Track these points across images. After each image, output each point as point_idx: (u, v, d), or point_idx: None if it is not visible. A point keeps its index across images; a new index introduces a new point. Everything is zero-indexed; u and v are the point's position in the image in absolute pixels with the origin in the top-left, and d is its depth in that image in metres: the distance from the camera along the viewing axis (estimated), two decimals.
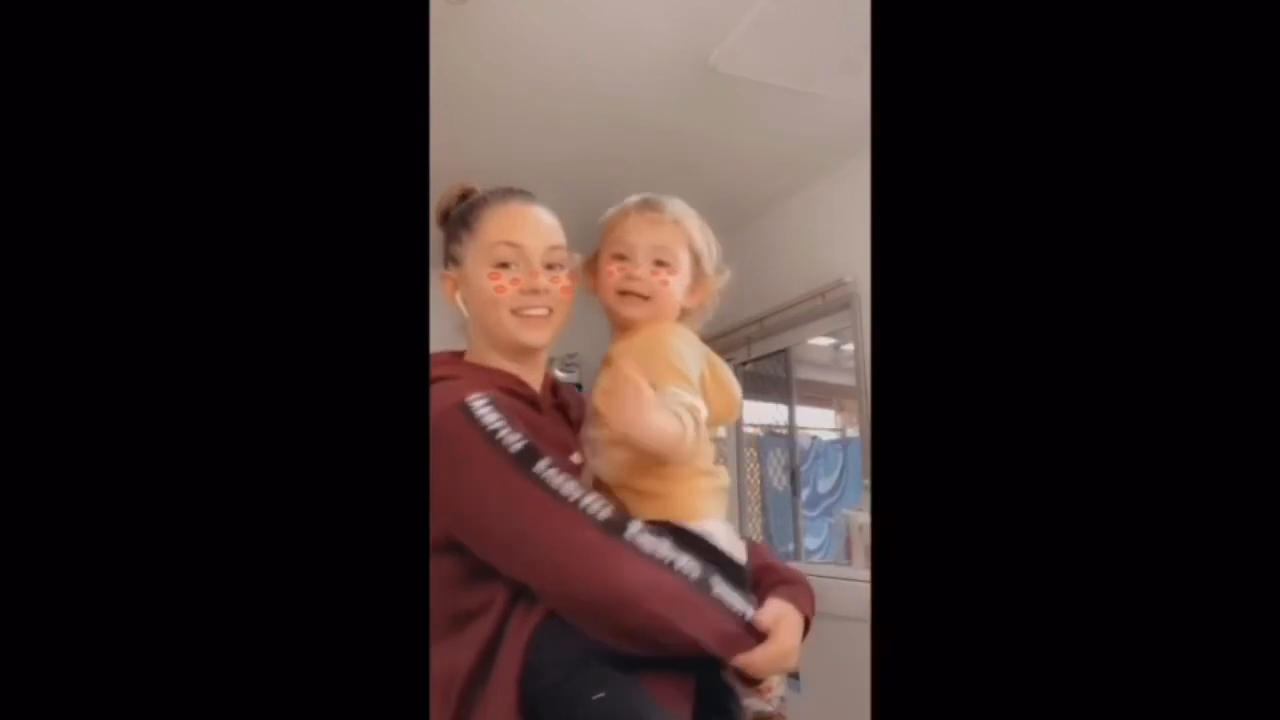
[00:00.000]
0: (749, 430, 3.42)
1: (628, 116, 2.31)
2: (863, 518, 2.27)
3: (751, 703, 0.79)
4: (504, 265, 0.85)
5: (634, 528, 0.69)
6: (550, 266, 0.88)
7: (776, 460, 3.36)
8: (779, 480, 3.34)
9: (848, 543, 2.29)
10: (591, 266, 0.93)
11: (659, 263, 0.89)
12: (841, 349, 3.34)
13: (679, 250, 0.91)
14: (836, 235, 2.62)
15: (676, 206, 0.94)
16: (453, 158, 2.31)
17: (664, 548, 0.70)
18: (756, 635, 0.73)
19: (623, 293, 0.89)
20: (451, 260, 0.90)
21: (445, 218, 0.93)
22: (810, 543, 3.25)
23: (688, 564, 0.70)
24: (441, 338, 0.85)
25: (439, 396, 0.75)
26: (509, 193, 0.91)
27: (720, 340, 3.14)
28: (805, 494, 3.27)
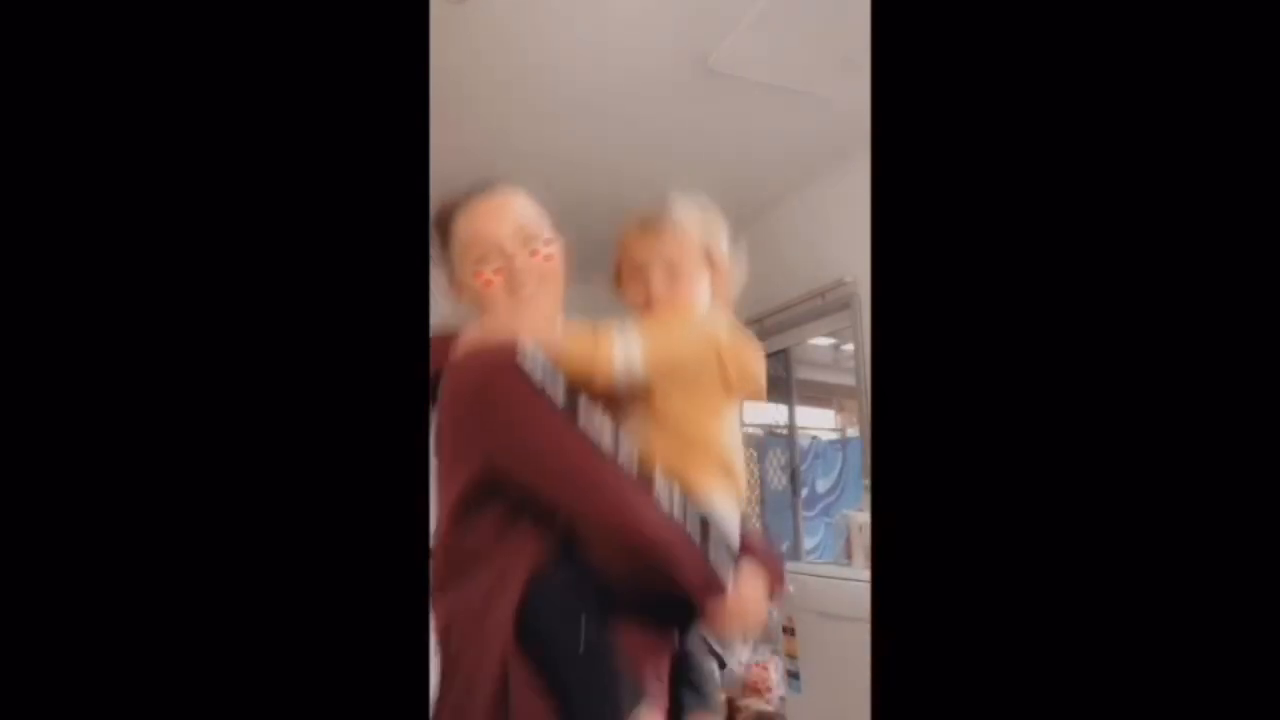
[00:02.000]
0: (749, 430, 3.42)
1: (628, 117, 2.31)
2: (863, 518, 2.27)
3: (751, 703, 0.84)
4: (483, 261, 0.90)
5: (658, 485, 0.80)
6: (526, 243, 0.92)
7: (775, 460, 3.36)
8: (777, 480, 3.35)
9: (848, 543, 2.29)
10: (616, 274, 0.98)
11: (673, 274, 0.93)
12: (841, 349, 3.34)
13: (687, 260, 0.94)
14: (836, 235, 2.62)
15: (678, 213, 0.96)
16: (453, 157, 2.32)
17: (677, 509, 0.80)
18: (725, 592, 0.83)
19: (647, 306, 0.93)
20: (447, 271, 0.96)
21: (435, 229, 0.97)
22: (807, 542, 3.25)
23: (693, 527, 0.80)
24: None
25: (483, 348, 0.83)
26: (470, 192, 0.96)
27: None
28: (803, 494, 3.27)
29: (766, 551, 0.92)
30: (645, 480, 0.79)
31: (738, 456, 0.92)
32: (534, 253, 0.91)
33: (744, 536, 0.90)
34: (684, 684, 0.90)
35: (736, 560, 0.86)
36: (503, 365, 0.80)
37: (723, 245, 0.97)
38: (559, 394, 0.80)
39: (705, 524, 0.81)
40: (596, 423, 0.81)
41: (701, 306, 0.93)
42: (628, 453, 0.81)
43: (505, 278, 0.90)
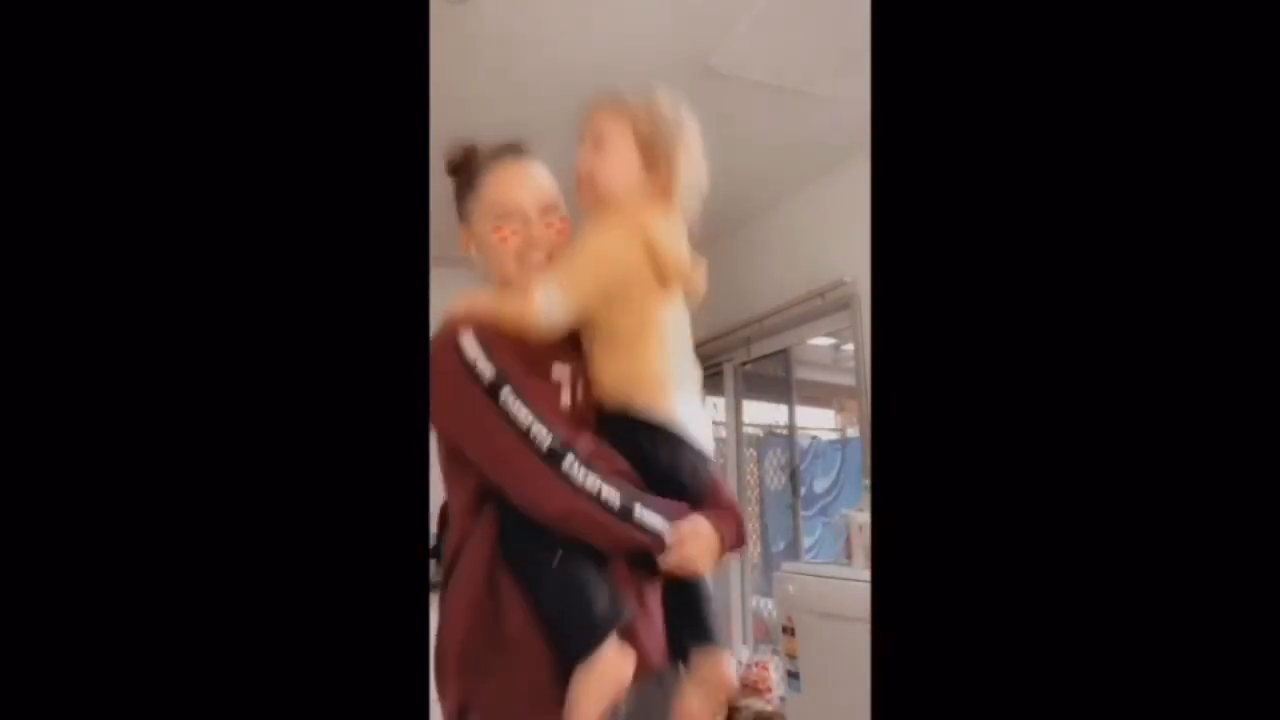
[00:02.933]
0: (749, 430, 3.42)
1: None
2: (863, 518, 2.27)
3: (751, 703, 0.86)
4: (504, 219, 0.95)
5: (569, 459, 0.83)
6: (545, 213, 0.97)
7: (774, 460, 3.36)
8: (775, 479, 3.35)
9: (848, 543, 2.29)
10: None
11: (599, 148, 0.96)
12: (841, 349, 3.34)
13: (619, 141, 0.97)
14: (836, 235, 2.62)
15: (634, 96, 1.00)
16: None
17: (591, 479, 0.83)
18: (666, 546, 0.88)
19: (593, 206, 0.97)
20: (462, 217, 1.01)
21: (454, 171, 1.02)
22: (804, 541, 3.25)
23: (610, 494, 0.83)
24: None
25: (445, 333, 0.88)
26: (503, 150, 1.01)
27: (720, 340, 3.15)
28: (801, 493, 3.27)
29: (724, 504, 0.96)
30: (556, 455, 0.82)
31: (688, 359, 0.94)
32: (549, 224, 0.97)
33: (705, 484, 0.93)
34: (680, 615, 0.93)
35: (698, 497, 0.91)
36: (443, 344, 0.86)
37: (671, 140, 0.96)
38: (488, 372, 0.84)
39: (623, 491, 0.84)
40: (513, 401, 0.84)
41: (625, 194, 0.93)
42: (542, 428, 0.83)
43: (521, 240, 0.94)
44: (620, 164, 0.94)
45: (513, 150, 1.02)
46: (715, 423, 3.49)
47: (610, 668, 0.80)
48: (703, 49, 1.96)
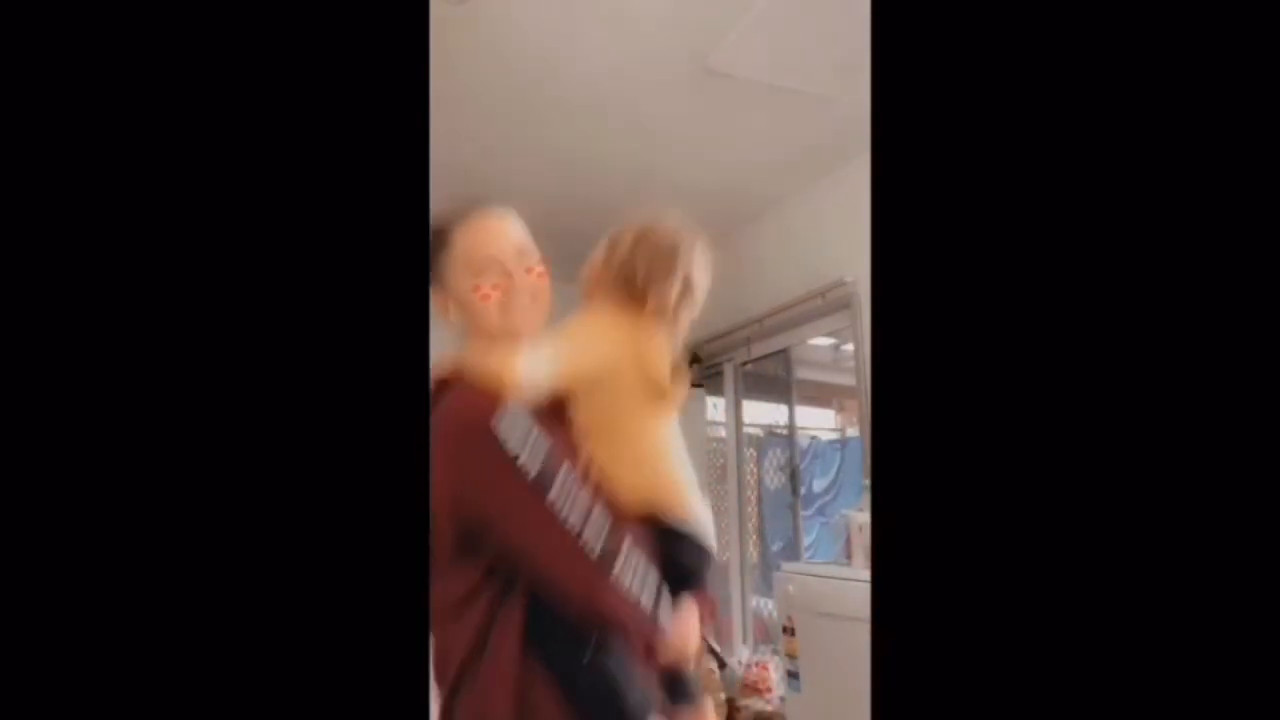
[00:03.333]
0: (749, 430, 3.42)
1: (627, 117, 2.31)
2: (863, 518, 2.27)
3: (751, 703, 0.87)
4: (482, 275, 0.94)
5: (619, 565, 0.82)
6: (521, 258, 0.96)
7: (774, 460, 3.37)
8: (773, 479, 3.35)
9: (848, 543, 2.29)
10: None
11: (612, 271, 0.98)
12: (841, 349, 3.34)
13: (624, 268, 0.98)
14: (836, 235, 2.62)
15: (636, 224, 1.01)
16: (452, 157, 2.32)
17: (635, 585, 0.83)
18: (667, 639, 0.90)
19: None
20: (435, 280, 0.98)
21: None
22: (804, 541, 3.25)
23: (648, 600, 0.84)
24: (442, 338, 0.90)
25: (463, 403, 0.83)
26: (469, 207, 0.99)
27: (720, 340, 3.15)
28: (801, 493, 3.27)
29: (707, 589, 0.98)
30: (607, 561, 0.81)
31: (681, 467, 0.96)
32: (529, 269, 0.96)
33: (706, 579, 0.95)
34: (668, 684, 0.94)
35: (699, 589, 0.92)
36: (476, 427, 0.81)
37: (669, 268, 0.98)
38: (536, 461, 0.81)
39: (659, 588, 0.85)
40: (569, 493, 0.82)
41: (626, 313, 0.95)
42: (597, 526, 0.82)
43: (502, 293, 0.93)
44: (621, 294, 0.96)
45: (477, 205, 1.00)
46: (715, 423, 3.49)
47: None
48: (703, 49, 1.96)
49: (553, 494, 0.81)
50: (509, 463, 0.80)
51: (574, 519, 0.81)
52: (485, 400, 0.82)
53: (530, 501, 0.80)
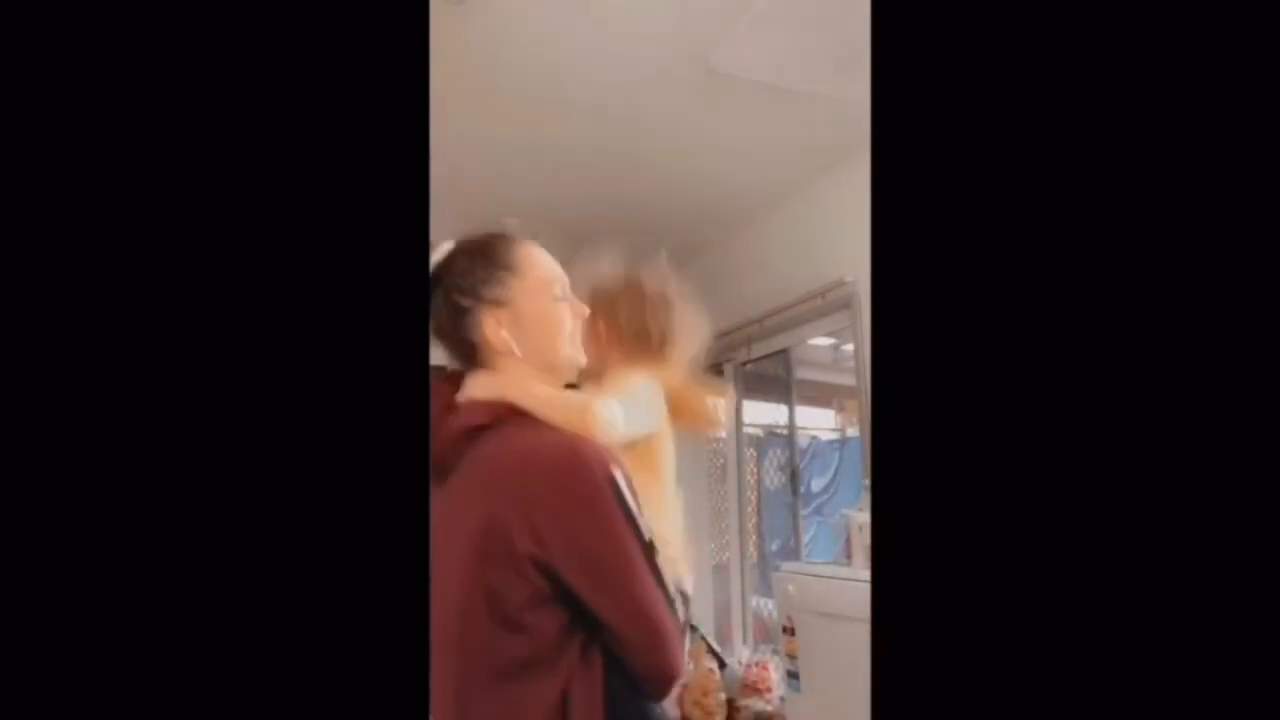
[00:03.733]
0: (749, 430, 3.42)
1: (627, 116, 2.30)
2: (862, 518, 2.27)
3: (751, 702, 0.89)
4: (558, 299, 0.92)
5: (689, 633, 0.84)
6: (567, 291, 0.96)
7: (773, 460, 3.36)
8: (773, 479, 3.35)
9: (847, 542, 2.29)
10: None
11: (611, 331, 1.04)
12: (841, 349, 3.34)
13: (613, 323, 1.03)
14: (836, 235, 2.62)
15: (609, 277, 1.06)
16: (453, 157, 2.32)
17: (673, 592, 0.83)
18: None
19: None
20: (495, 302, 0.90)
21: (483, 251, 0.94)
22: (803, 541, 3.25)
23: (680, 608, 0.84)
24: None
25: (585, 449, 0.80)
26: (518, 235, 0.97)
27: (720, 340, 3.14)
28: (801, 493, 3.27)
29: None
30: (686, 626, 0.82)
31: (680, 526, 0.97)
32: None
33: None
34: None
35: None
36: (601, 477, 0.78)
37: (657, 317, 1.02)
38: (648, 531, 0.79)
39: (684, 597, 0.85)
40: (664, 566, 0.81)
41: (649, 369, 0.98)
42: (674, 590, 0.82)
43: (575, 317, 0.93)
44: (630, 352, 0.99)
45: (523, 233, 0.98)
46: None
47: None
48: (703, 49, 1.96)
49: (658, 558, 0.80)
50: (631, 521, 0.78)
51: (670, 586, 0.81)
52: (603, 450, 0.80)
53: (642, 564, 0.78)
